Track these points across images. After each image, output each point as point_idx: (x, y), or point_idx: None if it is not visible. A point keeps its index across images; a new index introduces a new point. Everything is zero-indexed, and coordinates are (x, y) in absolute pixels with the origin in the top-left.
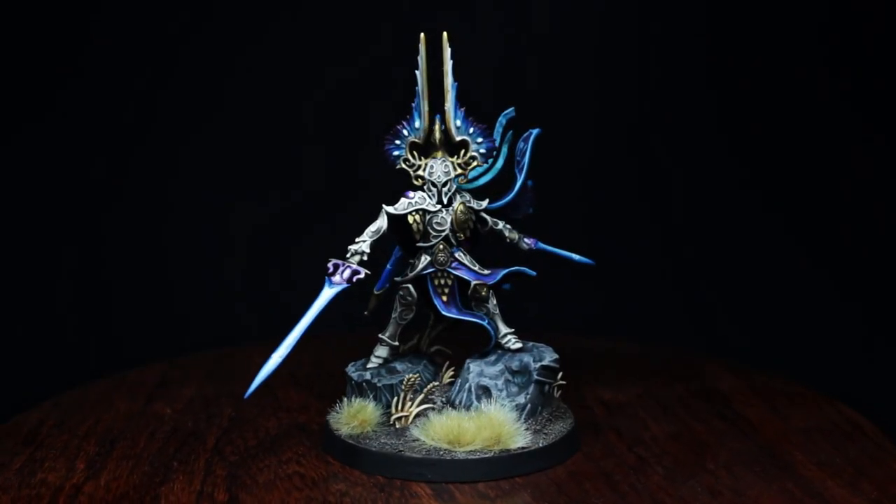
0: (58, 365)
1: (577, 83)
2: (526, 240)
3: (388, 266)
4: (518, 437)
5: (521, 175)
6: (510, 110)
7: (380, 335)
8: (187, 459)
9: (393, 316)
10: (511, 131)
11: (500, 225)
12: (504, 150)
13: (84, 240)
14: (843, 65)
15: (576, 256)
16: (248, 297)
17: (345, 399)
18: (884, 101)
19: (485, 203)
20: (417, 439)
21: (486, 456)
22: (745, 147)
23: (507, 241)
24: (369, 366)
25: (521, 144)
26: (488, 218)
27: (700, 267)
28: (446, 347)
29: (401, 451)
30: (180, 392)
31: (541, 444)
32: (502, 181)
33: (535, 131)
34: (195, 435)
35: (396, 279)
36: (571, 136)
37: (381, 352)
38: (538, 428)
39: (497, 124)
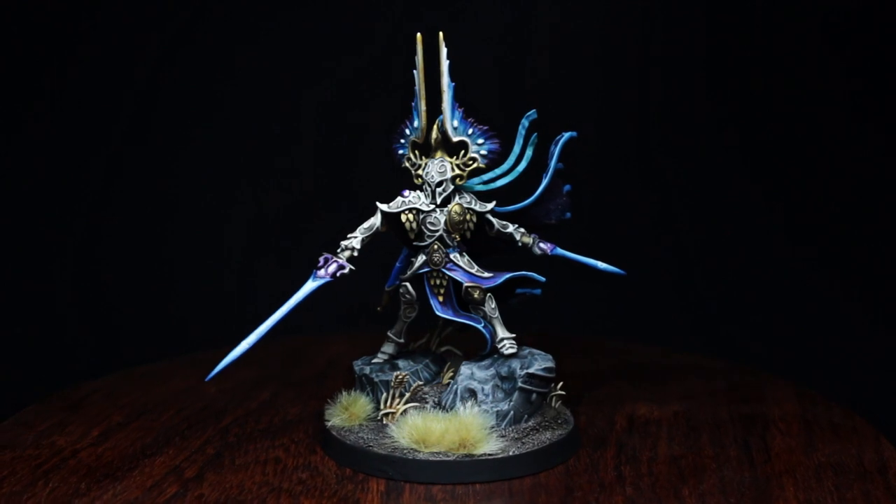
0: (55, 364)
1: (577, 83)
2: (541, 244)
3: (398, 264)
4: (485, 443)
5: (545, 178)
6: (532, 112)
7: (388, 332)
8: (190, 436)
9: (399, 313)
10: (536, 134)
11: (511, 228)
12: (529, 153)
13: (84, 239)
14: (842, 65)
15: (601, 265)
16: (249, 296)
17: (343, 391)
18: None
19: (490, 206)
20: (391, 436)
21: (447, 459)
22: (745, 146)
23: (519, 245)
24: (374, 361)
25: (552, 147)
26: (494, 220)
27: (700, 267)
28: (457, 348)
29: (370, 446)
30: (238, 373)
31: (511, 453)
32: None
33: (566, 134)
34: (218, 414)
35: (401, 277)
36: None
37: (388, 348)
38: (518, 436)
39: (520, 126)
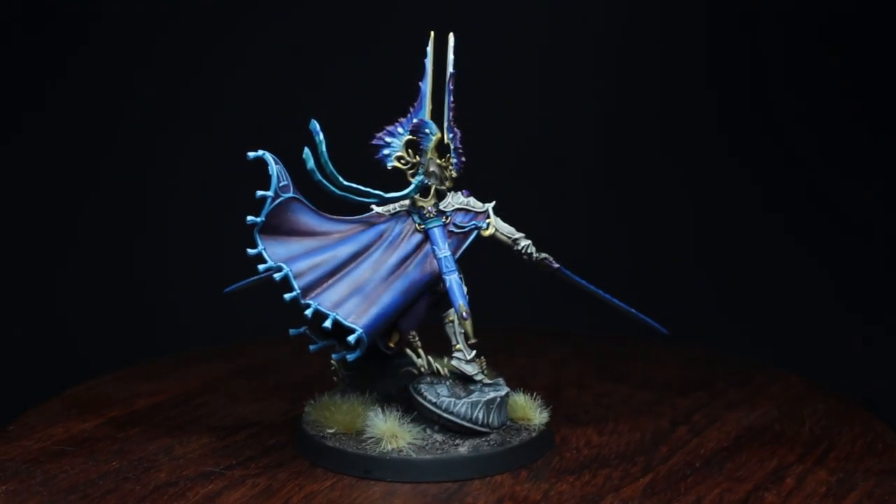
0: (55, 363)
1: (577, 84)
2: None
3: None
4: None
5: None
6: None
7: None
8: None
9: None
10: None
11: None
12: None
13: (85, 240)
14: (845, 67)
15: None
16: (246, 296)
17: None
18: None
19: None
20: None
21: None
22: (745, 147)
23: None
24: None
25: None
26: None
27: (698, 267)
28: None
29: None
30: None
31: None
32: None
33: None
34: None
35: None
36: (572, 137)
37: None
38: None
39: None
